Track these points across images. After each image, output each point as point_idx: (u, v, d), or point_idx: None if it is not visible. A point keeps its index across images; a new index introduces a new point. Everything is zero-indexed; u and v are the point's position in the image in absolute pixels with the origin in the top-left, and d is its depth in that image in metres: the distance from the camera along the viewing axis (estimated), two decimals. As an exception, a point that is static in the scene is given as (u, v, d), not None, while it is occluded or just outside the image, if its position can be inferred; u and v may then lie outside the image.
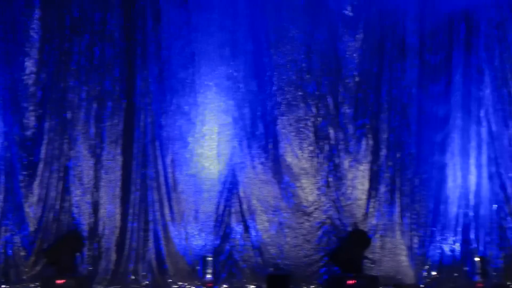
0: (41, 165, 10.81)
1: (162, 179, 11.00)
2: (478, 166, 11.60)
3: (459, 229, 11.49)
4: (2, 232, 10.65)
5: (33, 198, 10.77)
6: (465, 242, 11.49)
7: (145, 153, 11.06)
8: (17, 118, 10.82)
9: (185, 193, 10.99)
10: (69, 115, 10.95)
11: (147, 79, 11.15)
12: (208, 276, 10.48)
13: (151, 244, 10.89)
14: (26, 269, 10.53)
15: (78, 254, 10.53)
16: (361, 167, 11.51)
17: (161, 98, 11.18)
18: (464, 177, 11.58)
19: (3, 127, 10.80)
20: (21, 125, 10.83)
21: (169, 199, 11.01)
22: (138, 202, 10.97)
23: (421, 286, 11.28)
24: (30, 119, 10.88)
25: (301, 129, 11.42)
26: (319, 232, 11.29)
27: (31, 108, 10.90)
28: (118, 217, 10.92)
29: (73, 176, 10.87)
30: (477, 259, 11.26)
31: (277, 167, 11.28)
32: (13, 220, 10.70)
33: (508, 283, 11.27)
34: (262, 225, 11.11)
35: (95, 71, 11.09)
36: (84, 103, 11.01)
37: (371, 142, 11.57)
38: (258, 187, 11.14)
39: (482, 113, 11.63)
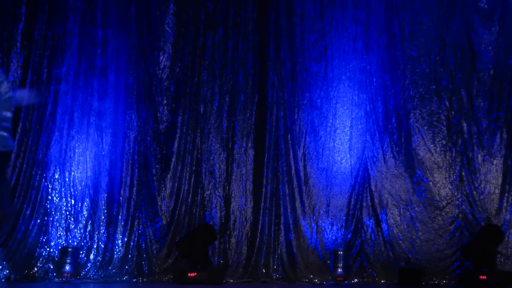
0: (174, 159, 11.01)
1: (293, 172, 11.05)
2: None
3: None
4: (135, 225, 10.82)
5: (166, 191, 10.97)
6: None
7: (277, 146, 11.13)
8: (151, 112, 11.04)
9: (316, 187, 11.04)
10: (202, 109, 11.13)
11: (280, 73, 11.20)
12: (339, 270, 10.36)
13: (282, 237, 10.96)
14: (159, 262, 10.69)
15: (210, 247, 10.65)
16: (495, 161, 11.29)
17: (293, 91, 11.23)
18: None
19: (138, 121, 10.95)
20: (155, 119, 11.05)
21: (301, 193, 11.05)
22: (270, 195, 11.05)
23: None
24: (164, 113, 11.10)
25: (434, 123, 11.34)
26: (452, 227, 11.15)
27: (165, 102, 11.11)
28: (249, 210, 11.03)
29: (205, 170, 11.04)
30: None
31: (409, 161, 11.22)
32: (146, 213, 10.87)
33: None
34: (394, 220, 11.05)
35: (228, 65, 11.23)
36: (217, 97, 11.15)
37: (505, 135, 11.35)
38: (389, 181, 11.08)
39: None
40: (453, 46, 11.44)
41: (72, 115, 10.97)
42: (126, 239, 10.74)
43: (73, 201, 10.86)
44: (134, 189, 10.86)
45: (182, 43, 11.17)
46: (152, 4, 11.20)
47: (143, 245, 10.73)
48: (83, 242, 10.72)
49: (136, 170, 10.94)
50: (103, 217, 10.79)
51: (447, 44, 11.43)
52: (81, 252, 10.62)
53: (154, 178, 10.96)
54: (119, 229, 10.78)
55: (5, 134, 6.45)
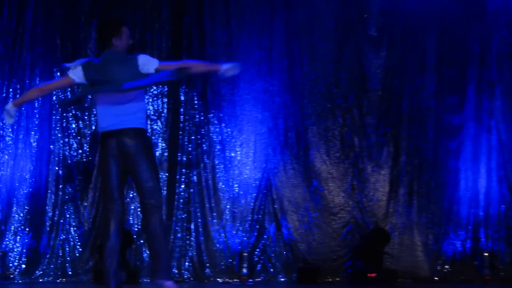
0: (95, 171, 11.12)
1: (203, 183, 11.34)
2: (488, 171, 11.78)
3: (470, 227, 11.66)
4: (60, 231, 10.99)
5: (88, 201, 11.17)
6: (475, 239, 11.66)
7: (189, 159, 11.38)
8: (75, 129, 11.29)
9: (224, 196, 11.35)
10: None
11: (192, 94, 11.48)
12: (244, 270, 10.82)
13: (193, 241, 11.23)
14: (81, 264, 10.95)
15: (128, 250, 10.66)
16: (383, 172, 11.71)
17: (204, 110, 11.46)
18: (475, 180, 11.78)
19: (62, 137, 11.20)
20: (79, 133, 11.27)
21: (210, 201, 11.34)
22: (182, 203, 11.32)
23: (435, 278, 11.46)
24: (88, 129, 11.31)
25: (329, 138, 11.68)
26: (344, 230, 11.54)
27: (87, 119, 11.26)
28: (164, 217, 10.58)
29: None
30: (486, 254, 11.46)
31: (307, 172, 11.56)
32: (69, 220, 11.06)
33: (513, 275, 11.42)
34: (293, 224, 11.37)
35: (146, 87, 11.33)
36: None
37: (392, 149, 11.76)
38: (289, 190, 11.42)
39: (492, 123, 11.87)
40: (346, 69, 11.79)
41: (3, 131, 11.07)
42: (52, 243, 10.87)
43: (4, 208, 10.88)
44: (59, 198, 11.04)
45: (104, 67, 11.32)
46: (75, 31, 11.30)
47: (67, 249, 10.95)
48: (13, 246, 10.81)
49: (61, 181, 11.10)
50: (30, 224, 10.93)
51: (341, 67, 11.76)
52: (10, 255, 10.77)
53: (77, 188, 11.13)
54: (45, 234, 10.91)
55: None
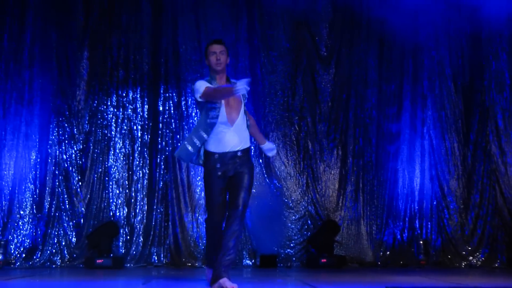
0: (87, 171, 11.78)
1: (179, 181, 11.88)
2: (422, 171, 12.51)
3: (407, 219, 12.34)
4: (56, 222, 11.58)
5: (81, 196, 11.68)
6: (412, 229, 12.33)
7: (167, 160, 11.93)
8: (69, 134, 11.85)
9: (196, 192, 11.84)
10: (108, 132, 11.98)
11: (168, 103, 12.09)
12: None
13: (170, 231, 11.70)
14: (75, 251, 11.48)
15: (114, 239, 11.43)
16: (333, 172, 12.36)
17: (179, 117, 11.99)
18: (411, 179, 12.47)
19: (59, 142, 11.79)
20: (73, 139, 11.85)
21: (184, 196, 11.86)
22: (161, 199, 11.84)
23: (378, 263, 12.05)
24: (80, 135, 11.91)
25: (287, 142, 12.29)
26: (300, 222, 12.14)
27: (80, 126, 11.89)
28: (145, 210, 11.78)
29: (112, 179, 11.85)
30: (421, 242, 12.11)
31: (269, 172, 12.15)
32: (65, 213, 11.64)
33: (444, 259, 12.17)
34: (257, 216, 11.86)
35: (130, 98, 12.11)
36: (120, 123, 12.02)
37: (340, 152, 12.41)
38: (254, 187, 10.78)
39: (425, 130, 12.58)
40: (301, 83, 12.40)
41: (6, 137, 11.65)
42: (49, 231, 11.44)
43: (7, 203, 11.43)
44: (56, 193, 11.57)
45: (93, 81, 11.92)
46: (70, 51, 11.92)
47: (62, 237, 11.51)
48: (15, 235, 11.34)
49: (58, 179, 11.61)
50: (30, 215, 11.44)
51: (296, 82, 12.37)
52: (12, 243, 11.26)
53: (73, 185, 11.65)
54: (43, 223, 11.45)
55: (191, 149, 7.30)
